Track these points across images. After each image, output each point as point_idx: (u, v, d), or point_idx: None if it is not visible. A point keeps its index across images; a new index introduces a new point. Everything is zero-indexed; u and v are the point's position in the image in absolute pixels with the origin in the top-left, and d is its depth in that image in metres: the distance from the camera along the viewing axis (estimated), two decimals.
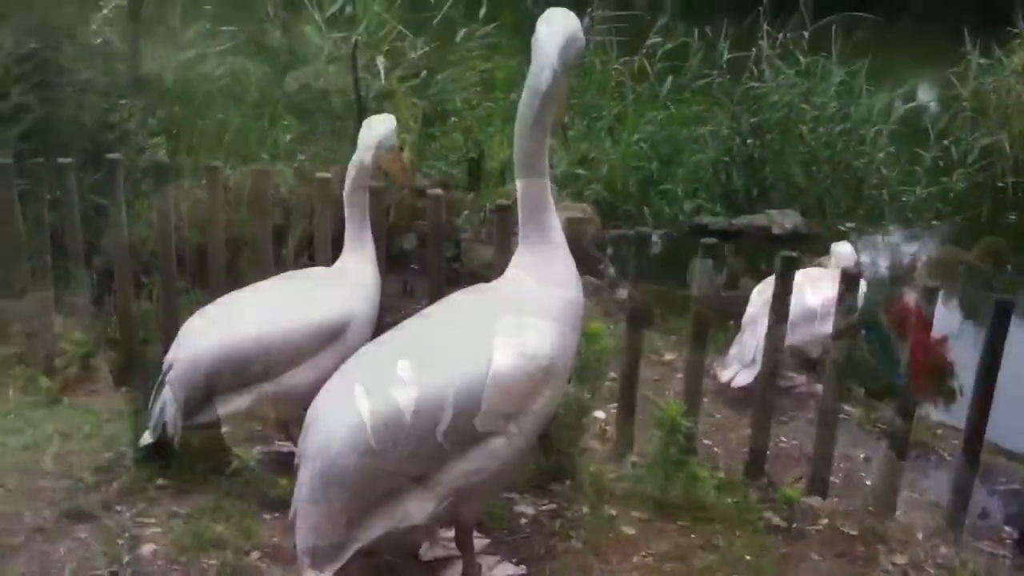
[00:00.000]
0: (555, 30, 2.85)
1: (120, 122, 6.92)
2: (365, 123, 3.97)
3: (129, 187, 5.55)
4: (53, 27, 6.84)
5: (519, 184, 2.97)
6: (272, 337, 3.67)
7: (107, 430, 4.17)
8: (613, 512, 3.69)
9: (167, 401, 3.69)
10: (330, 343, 3.74)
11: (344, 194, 3.88)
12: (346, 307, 3.77)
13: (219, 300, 3.93)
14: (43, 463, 3.89)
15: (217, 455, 3.94)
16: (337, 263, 3.91)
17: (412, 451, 2.80)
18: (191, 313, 3.95)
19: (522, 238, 3.03)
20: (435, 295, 4.39)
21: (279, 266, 4.71)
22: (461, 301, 3.14)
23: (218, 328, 3.71)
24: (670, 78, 9.81)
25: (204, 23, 7.76)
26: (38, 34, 6.53)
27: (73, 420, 4.32)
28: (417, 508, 2.87)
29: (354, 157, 3.88)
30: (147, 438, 3.77)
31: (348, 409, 2.84)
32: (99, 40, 7.43)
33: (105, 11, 7.54)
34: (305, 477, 2.88)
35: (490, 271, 4.92)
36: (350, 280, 3.83)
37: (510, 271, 3.08)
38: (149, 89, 7.09)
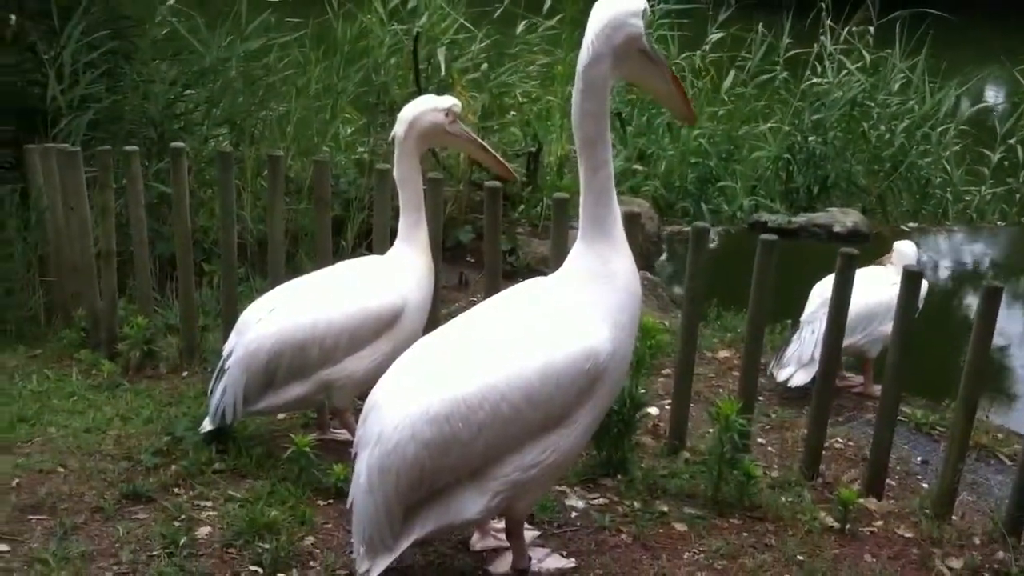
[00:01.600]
0: (602, 15, 2.81)
1: (185, 112, 7.05)
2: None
3: (193, 176, 5.67)
4: (121, 18, 6.99)
5: (581, 174, 2.94)
6: (329, 325, 3.72)
7: (166, 414, 4.25)
8: (665, 508, 3.67)
9: (227, 388, 3.75)
10: (385, 331, 3.77)
11: (395, 176, 3.89)
12: (400, 295, 3.79)
13: (278, 288, 3.98)
14: (104, 445, 3.97)
15: (273, 441, 4.01)
16: (391, 251, 3.94)
17: (471, 445, 2.82)
18: (251, 301, 4.01)
19: (581, 230, 2.99)
20: (491, 288, 4.41)
21: (337, 256, 4.76)
22: (518, 296, 3.11)
23: (277, 316, 3.76)
24: (731, 74, 9.72)
25: (268, 15, 7.84)
26: (106, 25, 6.66)
27: (134, 404, 4.41)
28: (472, 502, 2.89)
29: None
30: (207, 425, 3.84)
31: (409, 401, 2.85)
32: (165, 31, 7.57)
33: (171, 2, 7.67)
34: (363, 467, 2.90)
35: (546, 265, 4.93)
36: (404, 268, 3.85)
37: (567, 265, 3.06)
38: (214, 80, 7.19)
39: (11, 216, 5.59)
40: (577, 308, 2.94)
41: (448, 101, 3.87)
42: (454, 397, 2.81)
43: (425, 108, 3.84)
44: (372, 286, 3.81)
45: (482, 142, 4.09)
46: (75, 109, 6.26)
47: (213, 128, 7.18)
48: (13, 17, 6.88)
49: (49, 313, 5.42)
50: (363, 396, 4.12)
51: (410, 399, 2.85)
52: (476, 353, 2.89)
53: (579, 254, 3.01)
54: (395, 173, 3.88)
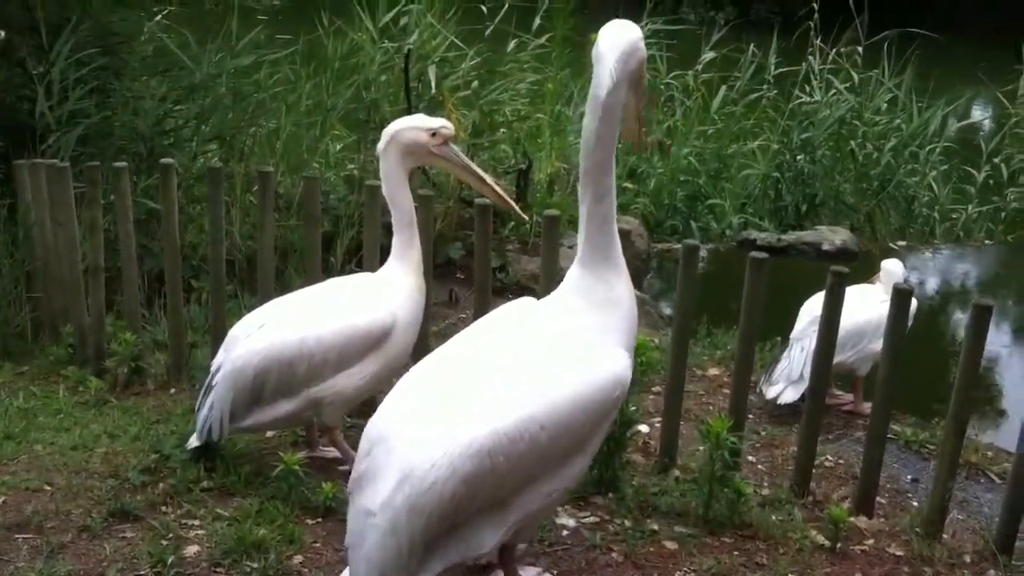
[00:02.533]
0: (616, 42, 2.80)
1: (175, 128, 7.04)
2: None
3: (182, 192, 5.65)
4: (110, 34, 6.98)
5: (583, 201, 2.90)
6: (317, 341, 3.70)
7: (154, 432, 4.22)
8: (655, 527, 3.66)
9: (214, 404, 3.73)
10: (374, 348, 3.75)
11: (384, 194, 3.85)
12: (390, 312, 3.78)
13: (266, 305, 3.97)
14: (91, 463, 3.94)
15: (262, 459, 3.99)
16: (383, 269, 3.93)
17: (505, 478, 2.73)
18: (240, 318, 3.99)
19: (581, 256, 2.94)
20: (480, 305, 4.40)
21: (327, 273, 4.74)
22: (523, 319, 3.02)
23: (264, 332, 3.75)
24: (721, 92, 9.77)
25: (259, 31, 7.84)
26: (95, 41, 6.66)
27: (121, 421, 4.38)
28: (491, 534, 2.80)
29: None
30: (194, 441, 3.82)
31: (442, 436, 2.69)
32: (155, 47, 7.56)
33: (159, 19, 7.67)
34: (380, 506, 2.70)
35: (536, 283, 4.94)
36: (395, 285, 3.84)
37: (568, 289, 2.99)
38: (204, 96, 7.18)
39: None
40: (596, 334, 2.90)
41: (437, 122, 3.82)
42: (495, 430, 2.69)
43: (408, 125, 3.80)
44: (361, 303, 3.79)
45: (480, 171, 3.97)
46: (64, 125, 6.24)
47: (203, 144, 7.16)
48: (2, 33, 6.88)
49: (36, 329, 5.39)
50: (352, 414, 4.15)
51: (443, 434, 2.70)
52: (502, 382, 2.79)
53: (580, 278, 2.96)
54: (383, 190, 3.87)
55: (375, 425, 2.83)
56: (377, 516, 2.70)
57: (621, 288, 2.96)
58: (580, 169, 2.91)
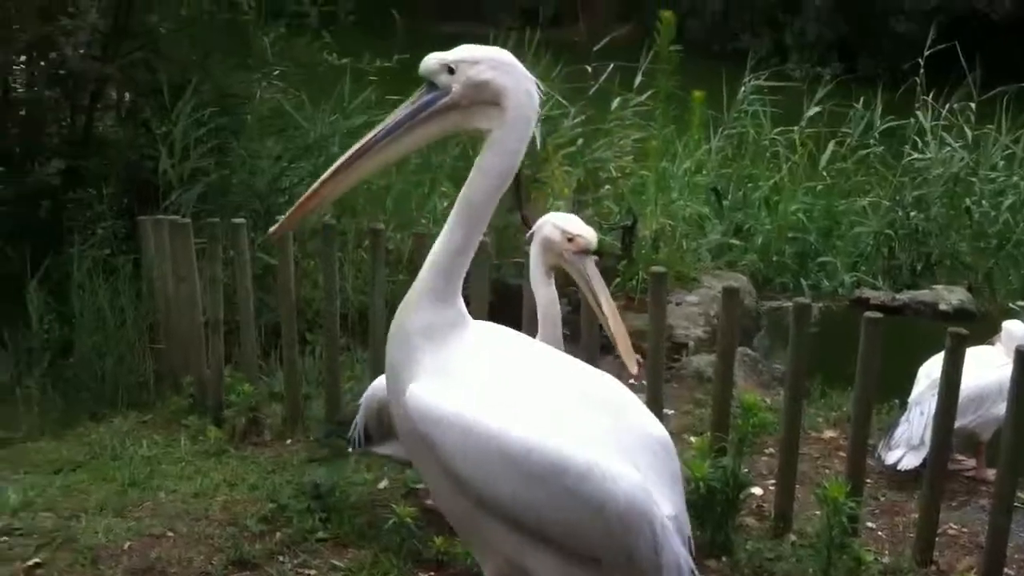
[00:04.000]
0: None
1: (290, 186, 7.24)
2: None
3: (297, 247, 5.80)
4: (229, 96, 7.26)
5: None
6: None
7: (271, 481, 4.30)
8: None
9: (358, 419, 3.96)
10: None
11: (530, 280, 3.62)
12: None
13: None
14: (211, 511, 4.04)
15: (375, 511, 4.03)
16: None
17: None
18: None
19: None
20: (587, 362, 4.39)
21: None
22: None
23: None
24: (830, 148, 9.65)
25: (370, 92, 8.06)
26: (215, 102, 6.93)
27: (239, 470, 4.49)
28: None
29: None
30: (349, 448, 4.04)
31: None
32: (270, 107, 7.83)
33: (276, 81, 7.94)
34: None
35: (642, 339, 4.91)
36: None
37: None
38: (317, 155, 7.40)
39: (125, 285, 5.78)
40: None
41: (576, 228, 3.47)
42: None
43: (553, 220, 3.52)
44: None
45: (606, 300, 3.47)
46: (185, 182, 6.49)
47: None
48: (128, 95, 7.22)
49: (159, 379, 5.56)
50: None
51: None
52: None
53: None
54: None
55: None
56: None
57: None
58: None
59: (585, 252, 3.47)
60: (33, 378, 5.61)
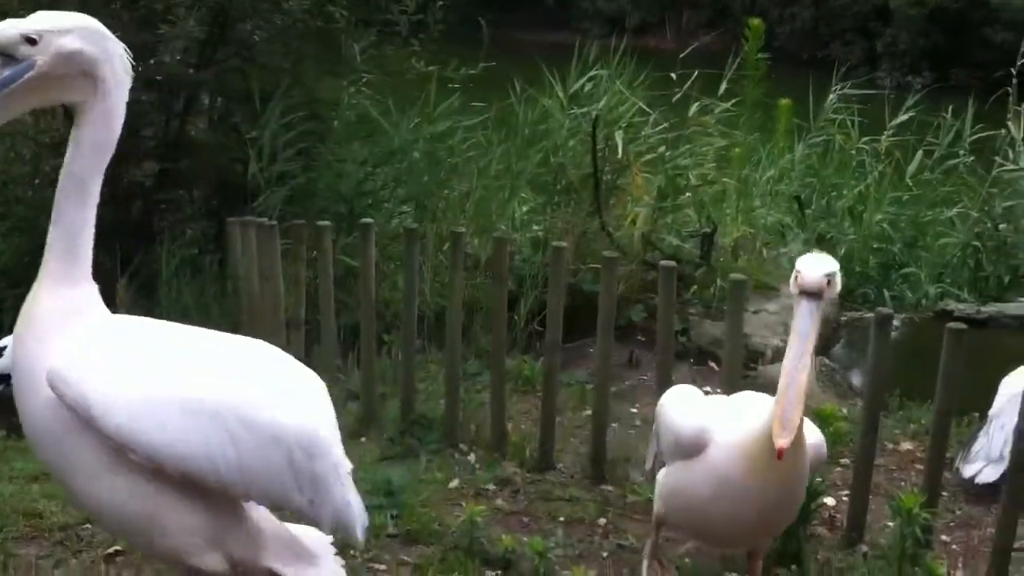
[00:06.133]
0: None
1: (373, 191, 7.40)
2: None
3: (379, 250, 5.92)
4: (317, 101, 7.43)
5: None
6: None
7: None
8: None
9: None
10: None
11: None
12: None
13: None
14: None
15: (444, 508, 4.09)
16: None
17: None
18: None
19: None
20: (663, 369, 4.41)
21: (510, 332, 4.84)
22: None
23: None
24: (917, 157, 9.46)
25: (455, 99, 8.18)
26: (303, 107, 7.10)
27: None
28: None
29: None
30: None
31: None
32: (356, 113, 7.99)
33: (364, 88, 8.10)
34: None
35: (719, 347, 4.90)
36: None
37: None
38: (401, 160, 7.53)
39: (210, 283, 5.95)
40: None
41: (803, 262, 2.88)
42: None
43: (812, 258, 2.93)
44: None
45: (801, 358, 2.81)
46: (272, 185, 6.66)
47: (398, 205, 7.50)
48: (220, 100, 7.43)
49: None
50: None
51: None
52: None
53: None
54: None
55: None
56: None
57: None
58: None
59: (801, 291, 2.84)
60: None
